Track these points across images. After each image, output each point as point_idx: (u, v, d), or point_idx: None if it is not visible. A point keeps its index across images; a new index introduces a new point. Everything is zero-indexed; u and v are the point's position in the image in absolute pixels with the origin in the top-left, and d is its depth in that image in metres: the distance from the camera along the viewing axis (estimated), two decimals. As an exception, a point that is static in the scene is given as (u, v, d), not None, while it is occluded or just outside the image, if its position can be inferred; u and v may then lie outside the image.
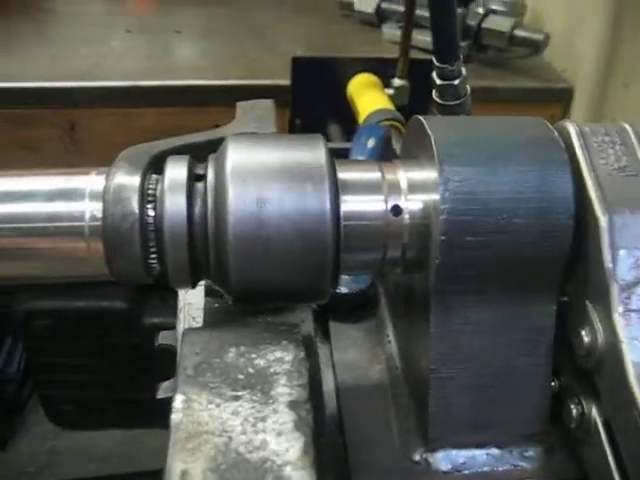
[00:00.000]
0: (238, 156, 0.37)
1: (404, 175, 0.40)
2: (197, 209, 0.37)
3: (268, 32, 1.68)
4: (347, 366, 0.49)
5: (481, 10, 1.56)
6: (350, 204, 0.38)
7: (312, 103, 1.28)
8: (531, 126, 0.41)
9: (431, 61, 1.32)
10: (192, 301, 0.59)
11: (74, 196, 0.38)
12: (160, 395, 0.53)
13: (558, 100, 1.53)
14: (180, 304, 0.59)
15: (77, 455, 2.12)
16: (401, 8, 1.55)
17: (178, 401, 0.35)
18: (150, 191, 0.38)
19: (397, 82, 1.23)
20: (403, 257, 0.40)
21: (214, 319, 0.45)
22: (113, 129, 1.42)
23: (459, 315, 0.40)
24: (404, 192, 0.39)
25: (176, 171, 0.38)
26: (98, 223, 0.37)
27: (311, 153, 0.38)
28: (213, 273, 0.38)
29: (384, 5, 1.67)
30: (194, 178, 0.38)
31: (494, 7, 1.64)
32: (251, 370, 0.36)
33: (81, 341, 1.82)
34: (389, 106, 1.10)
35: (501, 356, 0.41)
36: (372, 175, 0.40)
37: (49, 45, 1.57)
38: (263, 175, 0.37)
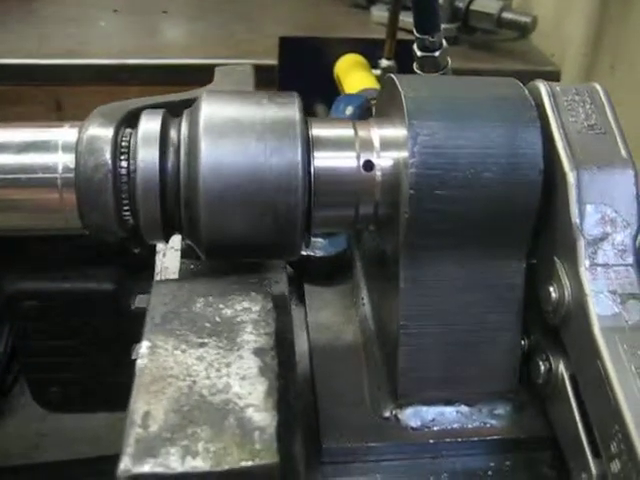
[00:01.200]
0: (212, 110, 0.37)
1: (377, 132, 0.40)
2: (170, 161, 0.37)
3: (256, 13, 1.67)
4: (321, 327, 0.50)
5: (470, -7, 1.57)
6: (322, 160, 0.38)
7: (299, 82, 1.27)
8: (502, 85, 0.41)
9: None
10: (169, 265, 0.59)
11: (47, 148, 0.38)
12: (134, 356, 0.53)
13: (545, 83, 1.54)
14: (157, 268, 0.59)
15: (64, 437, 2.12)
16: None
17: (144, 347, 0.35)
18: (124, 143, 0.38)
19: (384, 63, 1.23)
20: (375, 213, 0.40)
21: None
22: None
23: (429, 271, 0.40)
24: (376, 149, 0.39)
25: (150, 124, 0.38)
26: (71, 175, 0.37)
27: (284, 109, 0.38)
28: (185, 226, 0.38)
29: (373, -13, 1.67)
30: (168, 131, 0.38)
31: (483, -11, 1.65)
32: (218, 319, 0.37)
33: (67, 323, 1.81)
34: (376, 86, 1.10)
35: (471, 313, 0.42)
36: (345, 132, 0.40)
37: (37, 24, 1.56)
38: (236, 129, 0.37)
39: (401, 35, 1.24)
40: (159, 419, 0.32)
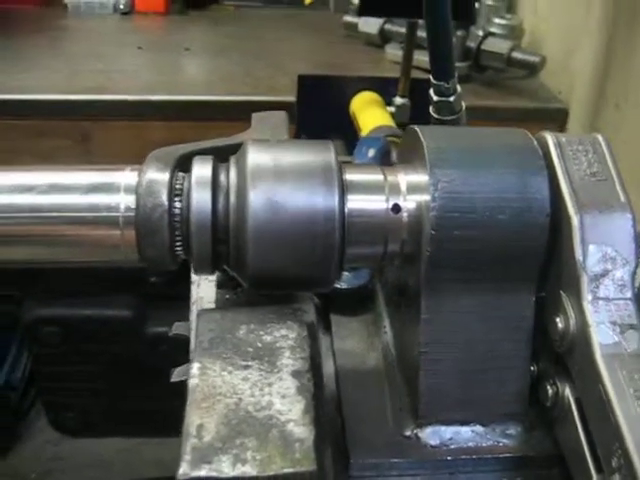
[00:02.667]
0: (257, 158, 0.42)
1: (403, 178, 0.45)
2: (220, 204, 0.42)
3: (274, 51, 1.74)
4: (346, 354, 0.54)
5: (481, 33, 1.63)
6: (355, 202, 0.43)
7: (317, 118, 1.33)
8: (513, 136, 0.46)
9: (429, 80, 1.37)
10: (203, 295, 0.64)
11: (111, 189, 0.43)
12: (173, 379, 0.57)
13: (554, 120, 1.59)
14: (192, 298, 0.64)
15: (79, 462, 2.15)
16: (403, 29, 1.62)
17: (195, 368, 0.40)
18: (177, 186, 0.43)
19: (398, 100, 1.28)
20: (401, 251, 0.45)
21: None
22: (124, 141, 1.48)
23: (448, 302, 0.45)
24: (403, 193, 0.44)
25: (202, 169, 0.43)
26: (131, 214, 0.42)
27: (321, 156, 0.43)
28: (232, 261, 0.43)
29: (387, 26, 1.74)
30: (218, 176, 0.43)
31: (493, 30, 1.71)
32: (259, 344, 0.41)
33: (85, 349, 1.85)
34: (390, 123, 1.16)
35: (486, 341, 0.46)
36: (375, 177, 0.45)
37: (65, 60, 1.63)
38: (279, 175, 0.42)
39: (415, 73, 1.30)
40: (211, 431, 0.36)
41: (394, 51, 1.68)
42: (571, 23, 1.59)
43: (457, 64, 1.65)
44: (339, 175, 0.43)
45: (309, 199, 0.42)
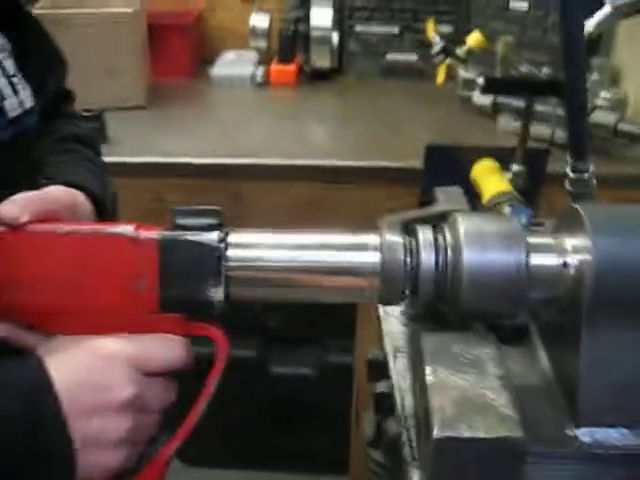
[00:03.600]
0: (467, 225, 0.61)
1: (569, 241, 0.62)
2: (441, 259, 0.60)
3: (395, 120, 1.94)
4: (512, 373, 0.71)
5: (588, 105, 1.78)
6: (536, 259, 0.61)
7: (441, 185, 1.51)
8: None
9: (545, 150, 1.55)
10: (391, 328, 0.82)
11: (362, 248, 0.62)
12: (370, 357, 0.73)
13: (659, 184, 1.71)
14: (384, 330, 0.82)
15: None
16: (515, 102, 1.79)
17: (429, 370, 0.58)
18: (408, 246, 0.61)
19: (515, 167, 1.45)
20: (567, 297, 0.62)
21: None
22: (270, 198, 1.70)
23: (602, 336, 0.61)
24: (569, 252, 0.61)
25: (426, 234, 0.61)
26: (377, 266, 0.61)
27: (510, 224, 0.61)
28: (448, 302, 0.61)
29: (499, 99, 1.92)
30: (437, 238, 0.61)
31: (599, 103, 1.86)
32: (469, 357, 0.59)
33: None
34: (509, 188, 1.32)
35: (633, 365, 0.62)
36: (549, 240, 0.62)
37: (215, 127, 1.88)
38: (483, 237, 0.60)
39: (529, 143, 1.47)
40: (449, 410, 0.53)
41: (507, 122, 1.86)
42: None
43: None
44: (524, 238, 0.61)
45: (506, 257, 0.59)
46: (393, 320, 0.82)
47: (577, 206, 0.64)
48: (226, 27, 2.35)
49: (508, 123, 1.84)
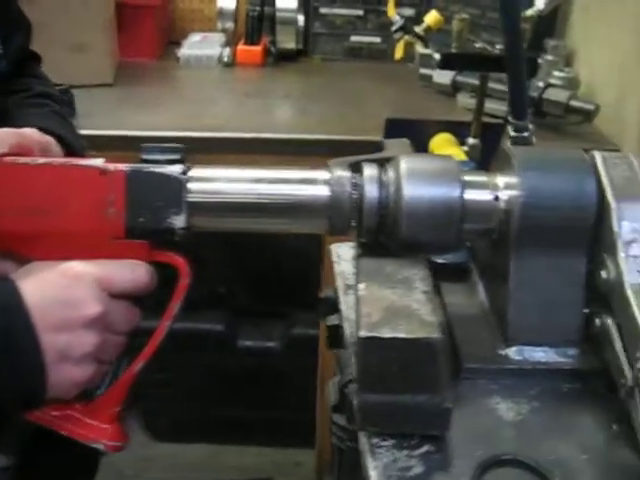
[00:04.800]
0: (408, 163, 0.67)
1: (500, 179, 0.69)
2: (383, 192, 0.66)
3: (359, 98, 2.00)
4: (452, 305, 0.78)
5: (542, 84, 1.86)
6: (471, 194, 0.67)
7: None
8: (572, 152, 0.70)
9: (499, 124, 1.61)
10: (344, 269, 0.88)
11: (313, 181, 0.67)
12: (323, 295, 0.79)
13: (606, 160, 1.79)
14: (336, 270, 0.88)
15: (168, 464, 2.40)
16: (473, 81, 1.86)
17: (362, 284, 0.64)
18: (354, 180, 0.67)
19: (471, 141, 1.51)
20: (498, 228, 0.68)
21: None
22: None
23: (528, 261, 0.68)
24: (501, 188, 0.68)
25: (371, 170, 0.68)
26: (327, 198, 0.67)
27: (448, 163, 0.68)
28: (390, 232, 0.67)
29: (458, 78, 1.99)
30: (381, 174, 0.67)
31: (553, 82, 1.94)
32: (400, 276, 0.65)
33: (180, 359, 2.07)
34: (464, 159, 1.39)
35: (555, 289, 0.69)
36: (482, 178, 0.69)
37: (182, 104, 1.92)
38: (422, 174, 0.66)
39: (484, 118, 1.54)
40: (377, 315, 0.59)
41: (465, 99, 1.93)
42: (622, 76, 1.82)
43: (521, 110, 1.87)
44: (460, 176, 0.67)
45: (442, 191, 0.66)
46: (344, 263, 0.88)
47: (508, 147, 0.70)
48: (194, 9, 2.39)
49: (466, 100, 1.91)
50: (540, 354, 0.70)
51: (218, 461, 2.41)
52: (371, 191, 0.67)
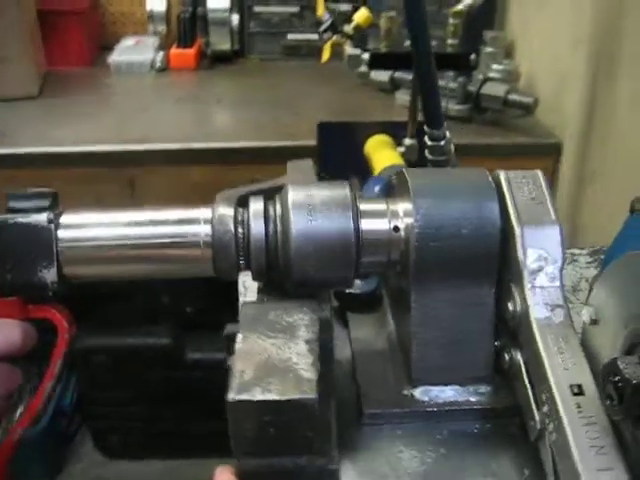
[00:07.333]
0: (295, 195, 0.61)
1: (400, 206, 0.63)
2: (271, 229, 0.60)
3: (295, 101, 1.94)
4: (359, 340, 0.72)
5: (480, 77, 1.82)
6: (367, 224, 0.61)
7: (335, 161, 1.52)
8: (474, 172, 0.64)
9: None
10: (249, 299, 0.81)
11: (194, 222, 0.61)
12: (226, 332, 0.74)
13: (549, 154, 1.77)
14: (240, 302, 0.81)
15: (123, 482, 2.32)
16: (411, 77, 1.81)
17: (240, 337, 0.57)
18: (240, 217, 0.61)
19: (407, 141, 1.47)
20: (400, 259, 0.63)
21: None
22: (166, 184, 1.68)
23: (430, 296, 0.63)
24: (400, 217, 0.62)
25: (257, 205, 0.61)
26: (209, 239, 0.61)
27: (342, 191, 0.62)
28: (281, 270, 0.61)
29: (397, 75, 1.94)
30: (268, 209, 0.61)
31: (492, 75, 1.90)
32: (284, 323, 0.59)
33: (128, 375, 2.00)
34: (400, 162, 1.34)
35: (460, 323, 0.63)
36: (380, 206, 0.63)
37: (111, 114, 1.85)
38: (311, 206, 0.60)
39: (421, 117, 1.48)
40: (250, 373, 0.53)
41: (404, 96, 1.88)
42: (560, 67, 1.78)
43: (459, 107, 1.86)
44: (354, 205, 0.61)
45: (334, 223, 0.60)
46: (251, 295, 0.82)
47: (404, 171, 0.65)
48: (125, 12, 2.31)
49: (405, 97, 1.86)
50: (448, 394, 0.65)
51: (174, 477, 2.35)
52: (257, 228, 0.61)
